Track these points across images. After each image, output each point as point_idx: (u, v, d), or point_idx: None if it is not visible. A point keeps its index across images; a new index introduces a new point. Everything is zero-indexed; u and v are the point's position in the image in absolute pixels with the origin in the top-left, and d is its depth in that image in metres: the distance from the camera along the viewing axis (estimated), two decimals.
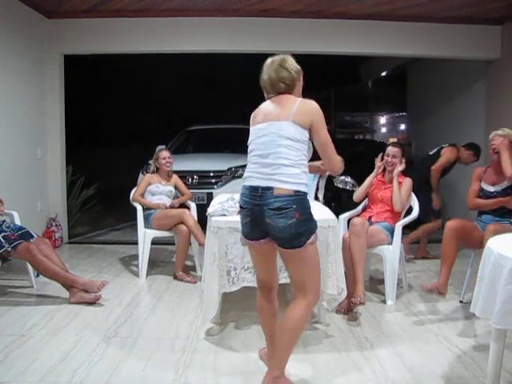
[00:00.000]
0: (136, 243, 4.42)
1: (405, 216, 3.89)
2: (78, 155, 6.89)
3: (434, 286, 3.38)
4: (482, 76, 6.12)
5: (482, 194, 3.58)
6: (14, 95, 4.89)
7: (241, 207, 2.31)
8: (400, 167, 3.83)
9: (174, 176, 4.65)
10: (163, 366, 2.63)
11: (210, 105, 11.31)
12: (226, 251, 2.86)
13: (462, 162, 4.89)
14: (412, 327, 3.21)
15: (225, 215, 2.96)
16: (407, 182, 3.88)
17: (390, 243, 3.67)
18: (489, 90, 5.97)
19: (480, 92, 6.16)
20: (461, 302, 3.63)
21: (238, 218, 3.03)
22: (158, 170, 4.56)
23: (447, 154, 4.80)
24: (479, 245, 3.32)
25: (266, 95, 2.36)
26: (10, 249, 3.55)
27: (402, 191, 3.81)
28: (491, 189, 3.51)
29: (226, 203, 3.05)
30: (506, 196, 3.45)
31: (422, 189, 4.35)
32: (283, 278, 2.79)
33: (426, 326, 3.22)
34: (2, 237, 3.59)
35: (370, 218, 3.79)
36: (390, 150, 3.89)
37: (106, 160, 9.95)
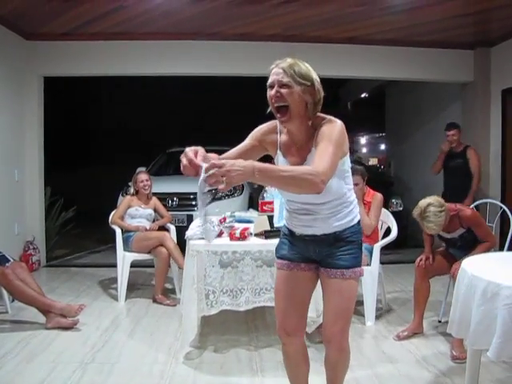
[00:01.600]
0: (115, 266, 4.37)
1: (383, 237, 3.93)
2: (56, 177, 6.82)
3: (409, 331, 3.38)
4: (457, 97, 6.29)
5: (441, 238, 3.49)
6: None
7: None
8: (359, 192, 3.64)
9: (154, 198, 4.63)
10: None
11: (190, 127, 11.37)
12: (204, 274, 2.85)
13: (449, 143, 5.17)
14: (391, 348, 3.22)
15: (203, 238, 2.96)
16: (377, 198, 3.81)
17: (369, 264, 3.69)
18: (463, 111, 6.13)
19: (455, 113, 6.31)
20: (439, 321, 3.65)
21: (216, 241, 3.06)
22: (137, 193, 4.55)
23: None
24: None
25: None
26: None
27: (372, 211, 3.76)
28: (448, 236, 3.39)
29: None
30: (463, 240, 3.34)
31: None
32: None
33: (404, 346, 3.23)
34: None
35: None
36: None
37: (85, 182, 9.86)
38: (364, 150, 20.77)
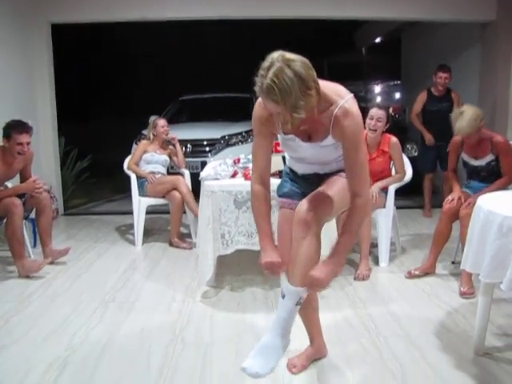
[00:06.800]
0: (131, 213, 4.44)
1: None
2: (70, 127, 6.84)
3: (421, 271, 3.42)
4: (477, 41, 6.06)
5: (467, 167, 3.51)
6: (1, 66, 4.80)
7: None
8: (380, 184, 3.58)
9: (171, 148, 4.64)
10: (161, 327, 2.69)
11: (202, 73, 11.20)
12: (219, 214, 2.88)
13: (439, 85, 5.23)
14: (404, 287, 3.27)
15: (218, 179, 2.98)
16: (395, 145, 3.66)
17: (384, 206, 3.69)
18: (483, 53, 5.92)
19: (474, 57, 6.10)
20: (453, 262, 3.68)
21: (230, 181, 3.08)
22: (153, 139, 4.55)
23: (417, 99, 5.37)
24: None
25: None
26: None
27: (397, 161, 3.66)
28: (475, 163, 3.41)
29: (218, 167, 3.06)
30: (489, 169, 3.35)
31: None
32: None
33: (418, 285, 3.29)
34: None
35: None
36: (375, 112, 3.56)
37: (98, 132, 9.88)
38: (378, 99, 20.39)
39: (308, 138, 1.85)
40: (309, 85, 1.58)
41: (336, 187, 1.93)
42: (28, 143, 3.58)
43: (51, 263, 3.76)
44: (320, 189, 1.94)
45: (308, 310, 2.18)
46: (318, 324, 2.25)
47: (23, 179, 3.84)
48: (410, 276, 3.40)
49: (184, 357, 2.36)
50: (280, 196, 2.09)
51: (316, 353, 2.28)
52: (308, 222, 1.86)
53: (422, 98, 5.32)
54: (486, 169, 3.37)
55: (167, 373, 2.21)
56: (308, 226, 1.86)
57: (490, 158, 3.33)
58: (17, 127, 3.55)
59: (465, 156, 3.47)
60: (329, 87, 1.77)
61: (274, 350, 1.89)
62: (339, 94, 1.76)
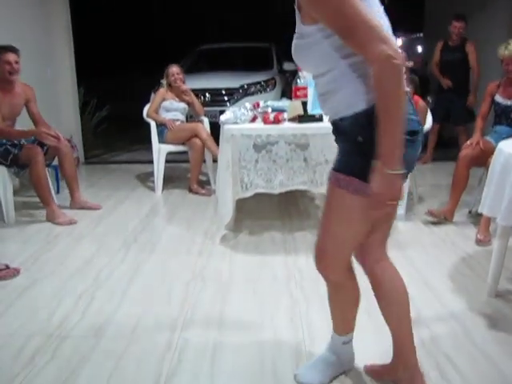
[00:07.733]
0: (151, 162, 4.51)
1: None
2: (88, 78, 6.83)
3: (441, 213, 3.46)
4: None
5: (498, 107, 3.55)
6: (17, 13, 4.76)
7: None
8: None
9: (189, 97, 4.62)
10: (181, 267, 2.79)
11: (221, 23, 10.99)
12: (239, 158, 2.91)
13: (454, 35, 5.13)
14: (421, 234, 3.31)
15: (237, 123, 2.99)
16: (423, 108, 3.62)
17: None
18: None
19: (503, 7, 5.84)
20: (469, 212, 3.70)
21: (250, 125, 3.09)
22: (169, 86, 4.55)
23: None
24: None
25: None
26: (16, 151, 3.59)
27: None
28: (508, 102, 3.47)
29: (238, 112, 3.07)
30: None
31: None
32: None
33: (434, 233, 3.32)
34: (10, 145, 3.63)
35: None
36: None
37: (116, 83, 9.85)
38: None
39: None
40: None
41: (330, 205, 1.52)
42: (16, 62, 3.65)
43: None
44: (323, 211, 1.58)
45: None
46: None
47: (33, 119, 3.91)
48: (430, 214, 3.45)
49: (204, 293, 2.46)
50: None
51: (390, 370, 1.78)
52: (322, 273, 1.67)
53: (438, 47, 5.31)
54: None
55: (188, 308, 2.31)
56: (324, 277, 1.68)
57: None
58: (2, 48, 3.63)
59: (499, 98, 3.53)
60: None
61: (327, 366, 1.82)
62: None
